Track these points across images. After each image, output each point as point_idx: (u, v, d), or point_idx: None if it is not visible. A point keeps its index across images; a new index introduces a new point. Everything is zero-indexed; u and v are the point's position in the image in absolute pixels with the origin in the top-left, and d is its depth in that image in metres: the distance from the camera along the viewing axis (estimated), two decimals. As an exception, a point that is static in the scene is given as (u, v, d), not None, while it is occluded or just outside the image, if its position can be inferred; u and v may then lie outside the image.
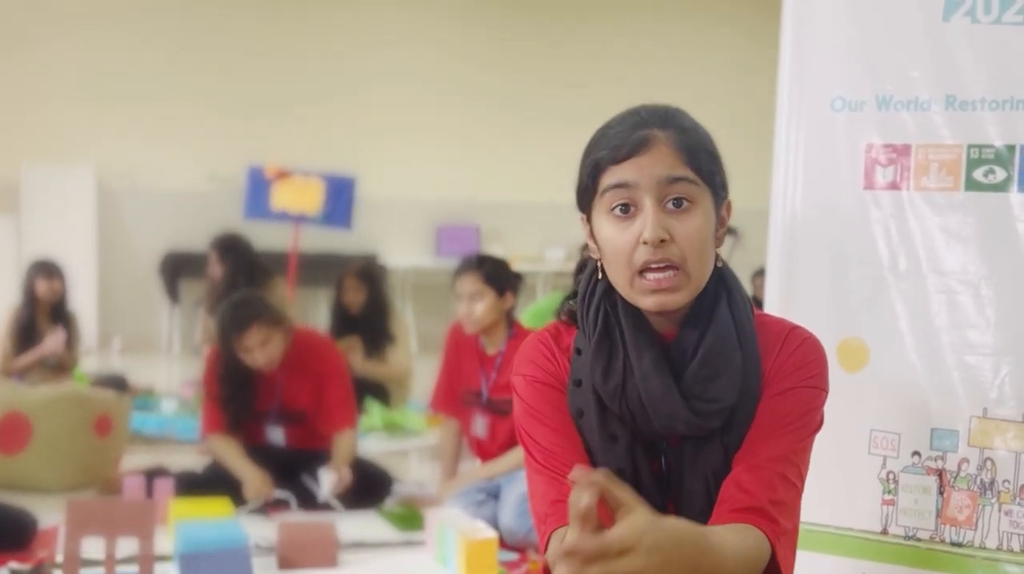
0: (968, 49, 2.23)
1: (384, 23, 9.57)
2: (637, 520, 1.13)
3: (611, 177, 1.44)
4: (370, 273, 5.88)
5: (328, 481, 3.87)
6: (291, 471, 3.97)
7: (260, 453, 3.99)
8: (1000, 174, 2.21)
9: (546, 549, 1.45)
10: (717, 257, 1.51)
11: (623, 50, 9.99)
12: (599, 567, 1.10)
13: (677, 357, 1.48)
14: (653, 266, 1.42)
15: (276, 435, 4.06)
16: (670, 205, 1.43)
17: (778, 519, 1.42)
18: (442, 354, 4.05)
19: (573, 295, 1.59)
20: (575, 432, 1.52)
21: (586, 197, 1.50)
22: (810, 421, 1.49)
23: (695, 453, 1.48)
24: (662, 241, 1.41)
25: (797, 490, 1.47)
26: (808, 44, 2.41)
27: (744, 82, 9.26)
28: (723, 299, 1.50)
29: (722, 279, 1.52)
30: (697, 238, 1.43)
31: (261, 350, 3.90)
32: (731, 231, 1.58)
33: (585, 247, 1.58)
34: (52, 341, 5.67)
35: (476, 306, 3.75)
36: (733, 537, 1.35)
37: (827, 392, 1.52)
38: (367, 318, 5.75)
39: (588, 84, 9.66)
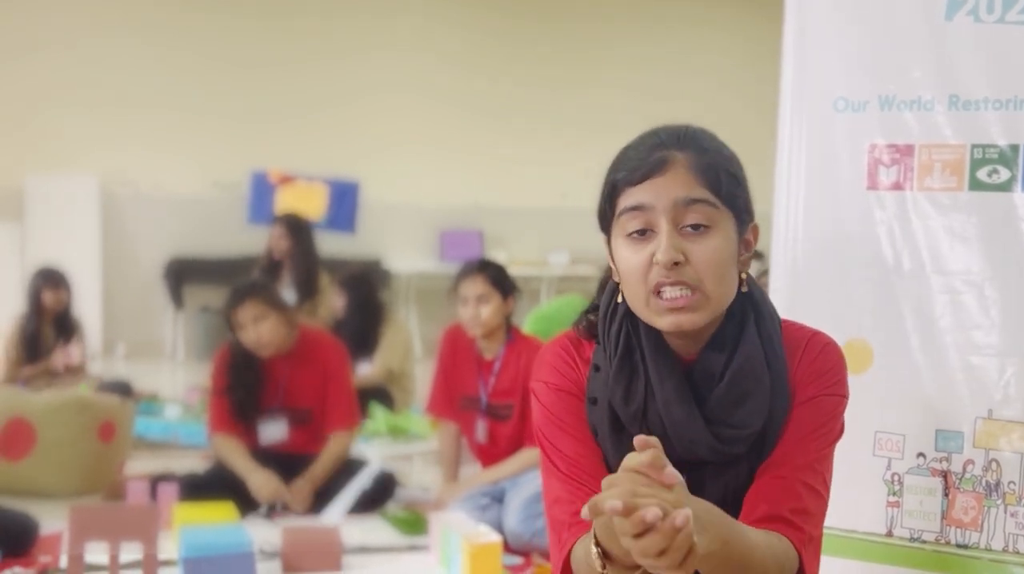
0: (971, 49, 2.22)
1: (387, 30, 9.58)
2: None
3: (627, 199, 1.42)
4: (353, 280, 5.87)
5: (340, 506, 3.83)
6: (292, 476, 3.96)
7: (262, 456, 3.99)
8: (1004, 174, 2.20)
9: (567, 558, 1.43)
10: (743, 281, 1.48)
11: (624, 56, 10.00)
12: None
13: (700, 380, 1.46)
14: (667, 286, 1.39)
15: (278, 432, 4.06)
16: (688, 228, 1.40)
17: (802, 527, 1.41)
18: (438, 357, 4.05)
19: (594, 308, 1.57)
20: (596, 441, 1.51)
21: (605, 219, 1.48)
22: (832, 429, 1.49)
23: (716, 476, 1.46)
24: (676, 263, 1.38)
25: (822, 498, 1.47)
26: (810, 45, 2.41)
27: (744, 85, 9.26)
28: (751, 320, 1.47)
29: (749, 300, 1.49)
30: (714, 260, 1.40)
31: (254, 326, 3.94)
32: (757, 255, 1.55)
33: (608, 269, 1.56)
34: (65, 354, 5.69)
35: (483, 308, 3.75)
36: (762, 535, 1.35)
37: (847, 398, 1.51)
38: (347, 324, 5.74)
39: (590, 90, 9.69)
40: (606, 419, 1.48)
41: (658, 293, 1.41)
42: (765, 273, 2.70)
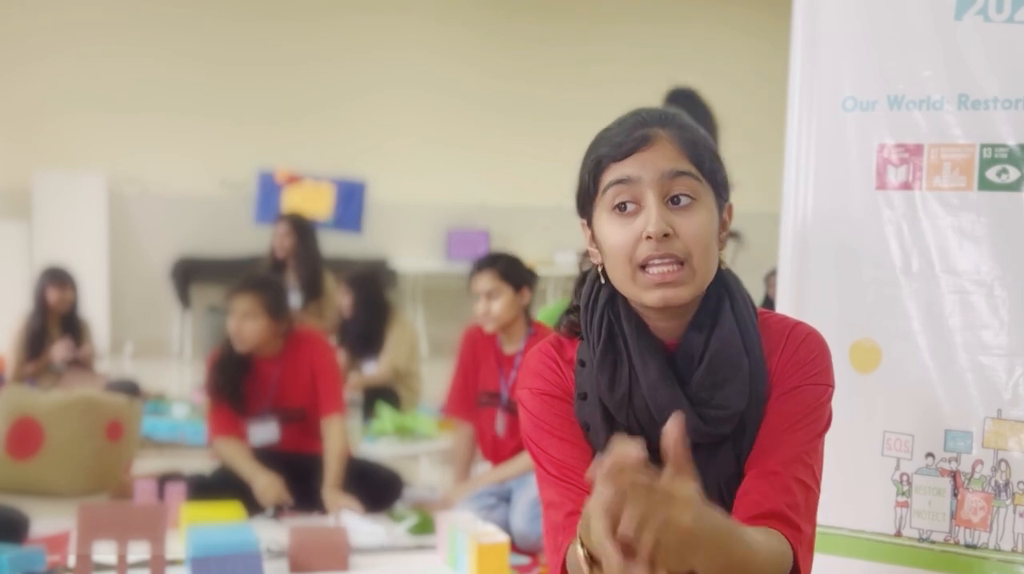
0: (980, 48, 2.22)
1: (393, 29, 9.57)
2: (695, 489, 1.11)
3: (613, 173, 1.43)
4: (359, 280, 5.88)
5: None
6: (291, 474, 3.96)
7: (259, 456, 3.98)
8: (1013, 173, 2.20)
9: (563, 561, 1.43)
10: (720, 261, 1.49)
11: (632, 54, 9.98)
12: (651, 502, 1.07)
13: (682, 364, 1.46)
14: (656, 260, 1.40)
15: (268, 433, 4.05)
16: (672, 202, 1.42)
17: (798, 524, 1.40)
18: (457, 358, 4.03)
19: (573, 309, 1.57)
20: (586, 442, 1.50)
21: (587, 198, 1.48)
22: (818, 419, 1.47)
23: (706, 461, 1.45)
24: (665, 235, 1.39)
25: (813, 492, 1.46)
26: (819, 44, 2.40)
27: (752, 85, 9.25)
28: (726, 303, 1.48)
29: (723, 282, 1.50)
30: (701, 233, 1.41)
31: (240, 319, 3.94)
32: (733, 235, 1.57)
33: (585, 254, 1.56)
34: (64, 348, 5.72)
35: (494, 303, 3.74)
36: (761, 535, 1.33)
37: (833, 387, 1.50)
38: (353, 324, 5.75)
39: (597, 88, 9.65)
40: (597, 412, 1.48)
41: (644, 268, 1.42)
42: (773, 273, 2.69)
